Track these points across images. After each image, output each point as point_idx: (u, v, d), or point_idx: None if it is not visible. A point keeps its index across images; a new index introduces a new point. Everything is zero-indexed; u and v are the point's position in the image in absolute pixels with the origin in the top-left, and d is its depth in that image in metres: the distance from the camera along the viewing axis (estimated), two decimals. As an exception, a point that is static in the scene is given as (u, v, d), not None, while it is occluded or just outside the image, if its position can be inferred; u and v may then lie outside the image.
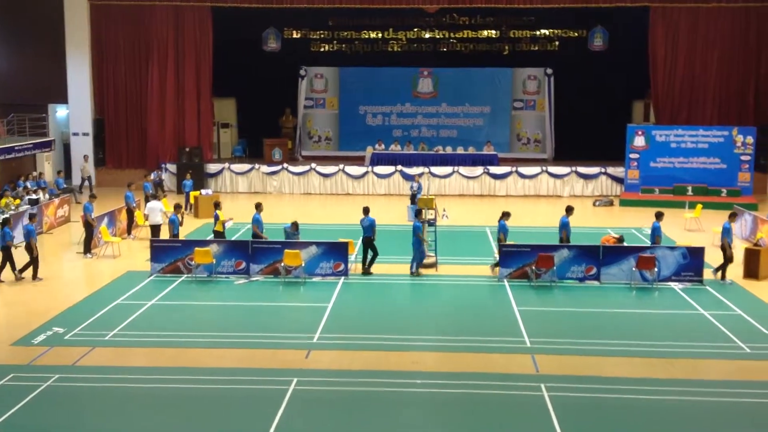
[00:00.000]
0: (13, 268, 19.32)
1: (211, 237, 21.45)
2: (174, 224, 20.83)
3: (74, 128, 36.01)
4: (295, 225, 21.19)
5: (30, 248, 19.28)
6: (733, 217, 20.51)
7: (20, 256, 19.50)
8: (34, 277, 19.45)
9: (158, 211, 22.99)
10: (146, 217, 23.55)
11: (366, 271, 20.12)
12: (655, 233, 19.98)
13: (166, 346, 14.88)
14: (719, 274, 19.55)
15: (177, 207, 21.91)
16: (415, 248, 19.93)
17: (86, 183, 33.93)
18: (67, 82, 35.54)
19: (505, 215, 20.24)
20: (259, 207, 20.95)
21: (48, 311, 16.90)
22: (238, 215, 28.31)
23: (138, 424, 11.66)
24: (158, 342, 15.13)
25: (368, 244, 20.17)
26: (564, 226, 20.22)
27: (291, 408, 12.12)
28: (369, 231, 20.13)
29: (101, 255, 22.17)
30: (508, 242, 19.98)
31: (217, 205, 21.87)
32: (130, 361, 14.17)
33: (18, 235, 23.65)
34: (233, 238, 22.08)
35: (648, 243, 22.66)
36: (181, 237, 21.76)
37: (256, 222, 20.51)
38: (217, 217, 21.25)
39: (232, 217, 22.75)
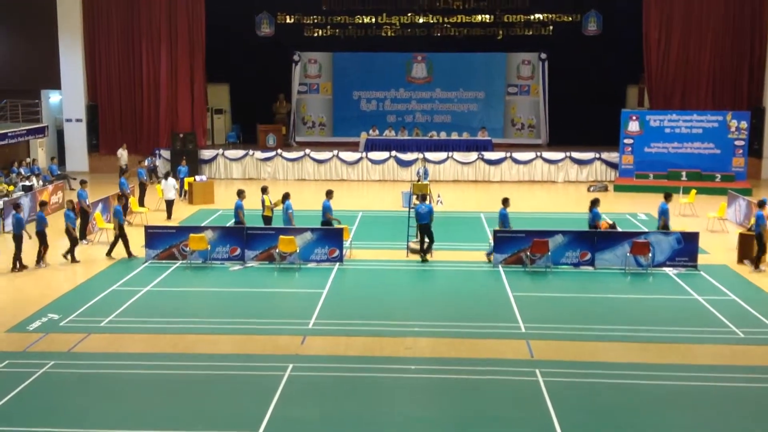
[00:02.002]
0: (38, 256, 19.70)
1: (229, 222, 21.39)
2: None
3: (67, 114, 35.92)
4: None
5: (68, 231, 19.88)
6: (763, 205, 19.74)
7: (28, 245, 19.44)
8: (72, 258, 19.98)
9: (172, 187, 25.56)
10: (162, 193, 26.02)
11: (424, 259, 19.96)
12: (663, 215, 19.92)
13: (161, 333, 14.89)
14: (754, 264, 19.28)
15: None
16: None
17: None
18: (60, 68, 35.39)
19: (505, 202, 20.24)
20: (241, 194, 21.08)
21: (43, 298, 16.89)
22: (232, 202, 28.31)
23: (133, 410, 11.68)
24: (153, 328, 15.14)
25: (425, 230, 20.02)
26: (596, 216, 19.93)
27: (286, 393, 12.15)
28: (427, 218, 19.98)
29: (96, 241, 22.14)
30: (503, 228, 20.00)
31: (264, 190, 21.68)
32: (126, 347, 14.18)
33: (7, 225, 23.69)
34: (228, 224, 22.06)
35: (643, 228, 22.74)
36: (176, 223, 21.73)
37: (239, 207, 20.72)
38: (263, 202, 21.23)
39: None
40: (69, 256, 19.96)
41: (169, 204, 25.47)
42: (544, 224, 22.34)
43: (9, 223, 21.03)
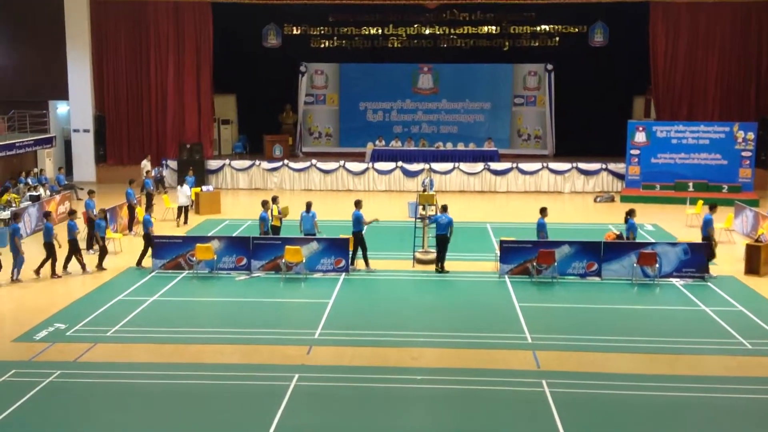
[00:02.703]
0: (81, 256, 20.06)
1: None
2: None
3: (75, 125, 36.04)
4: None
5: (96, 240, 20.51)
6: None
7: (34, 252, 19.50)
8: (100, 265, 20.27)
9: (185, 194, 26.40)
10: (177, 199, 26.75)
11: (440, 269, 19.88)
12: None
13: (167, 342, 14.90)
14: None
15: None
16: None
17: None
18: (68, 78, 35.52)
19: (543, 212, 20.25)
20: (266, 204, 21.14)
21: (50, 307, 16.91)
22: (238, 212, 28.37)
23: (140, 420, 11.68)
24: (160, 338, 15.14)
25: (443, 242, 19.85)
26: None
27: (293, 403, 12.13)
28: (445, 228, 19.83)
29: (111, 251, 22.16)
30: (508, 238, 19.99)
31: (274, 200, 21.74)
32: (132, 357, 14.18)
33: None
34: (235, 234, 22.07)
35: (650, 239, 22.71)
36: (183, 233, 21.78)
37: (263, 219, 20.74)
38: (272, 212, 21.30)
39: (376, 218, 22.11)
40: (98, 263, 20.25)
41: (184, 210, 26.21)
42: (551, 235, 22.24)
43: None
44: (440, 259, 19.96)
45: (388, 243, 23.16)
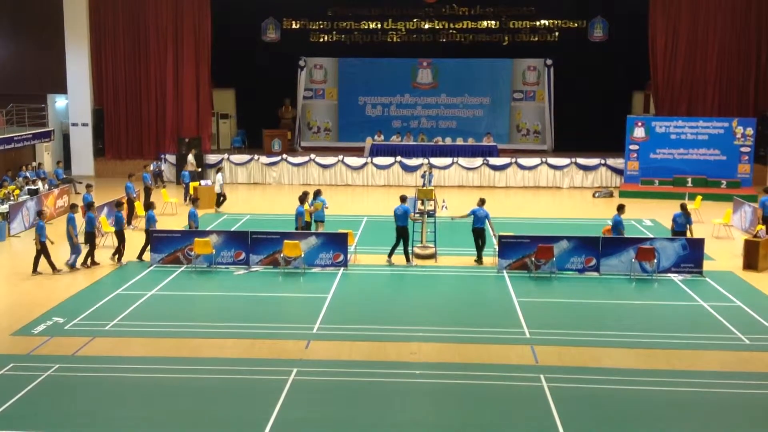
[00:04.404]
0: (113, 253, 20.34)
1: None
2: (194, 217, 21.00)
3: (73, 118, 36.01)
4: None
5: (120, 234, 20.42)
6: (621, 209, 20.36)
7: (20, 247, 19.49)
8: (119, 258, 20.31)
9: (219, 183, 27.89)
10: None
11: (479, 262, 20.23)
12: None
13: (165, 337, 14.90)
14: None
15: (194, 201, 22.18)
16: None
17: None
18: (66, 72, 35.49)
19: (620, 209, 20.29)
20: (304, 199, 21.15)
21: (48, 301, 16.92)
22: (237, 207, 28.37)
23: (138, 414, 11.68)
24: (158, 332, 15.14)
25: (480, 234, 20.14)
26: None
27: (291, 398, 12.14)
28: (483, 222, 20.09)
29: (101, 245, 22.12)
30: (507, 233, 20.00)
31: (318, 193, 21.77)
32: (130, 351, 14.19)
33: (18, 226, 23.74)
34: (233, 228, 22.06)
35: (648, 234, 22.72)
36: (180, 227, 21.76)
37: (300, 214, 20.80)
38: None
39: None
40: (116, 257, 20.31)
41: (219, 196, 27.77)
42: (549, 230, 22.30)
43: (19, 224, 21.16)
44: (479, 252, 20.26)
45: (386, 238, 23.15)
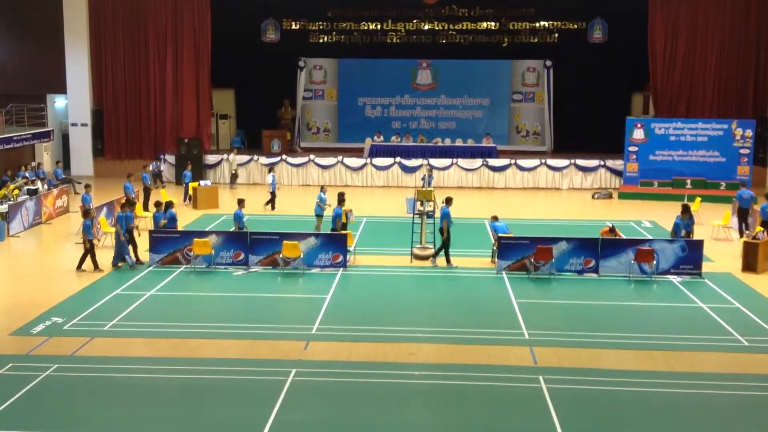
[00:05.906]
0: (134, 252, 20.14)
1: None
2: (239, 219, 21.01)
3: (73, 119, 36.02)
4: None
5: (130, 233, 20.06)
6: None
7: (19, 247, 19.47)
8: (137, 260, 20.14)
9: (271, 181, 28.17)
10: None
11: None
12: (683, 228, 20.03)
13: (164, 337, 14.89)
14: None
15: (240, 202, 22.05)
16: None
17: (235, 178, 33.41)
18: (66, 72, 35.51)
19: (686, 210, 20.32)
20: (342, 201, 21.13)
21: (47, 301, 16.90)
22: (237, 206, 28.33)
23: (136, 414, 11.67)
24: (157, 332, 15.14)
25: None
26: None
27: (289, 398, 12.13)
28: (505, 230, 20.25)
29: (100, 245, 22.12)
30: (506, 234, 20.01)
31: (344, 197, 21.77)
32: (129, 351, 14.18)
33: (17, 226, 23.72)
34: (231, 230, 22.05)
35: (647, 236, 22.71)
36: (180, 227, 21.75)
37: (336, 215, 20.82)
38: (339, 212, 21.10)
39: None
40: (133, 257, 20.18)
41: (272, 196, 28.02)
42: (549, 231, 22.31)
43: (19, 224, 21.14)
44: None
45: (385, 238, 23.18)
